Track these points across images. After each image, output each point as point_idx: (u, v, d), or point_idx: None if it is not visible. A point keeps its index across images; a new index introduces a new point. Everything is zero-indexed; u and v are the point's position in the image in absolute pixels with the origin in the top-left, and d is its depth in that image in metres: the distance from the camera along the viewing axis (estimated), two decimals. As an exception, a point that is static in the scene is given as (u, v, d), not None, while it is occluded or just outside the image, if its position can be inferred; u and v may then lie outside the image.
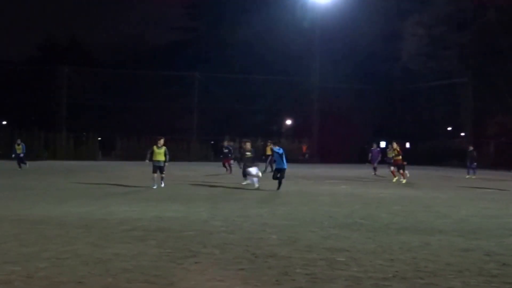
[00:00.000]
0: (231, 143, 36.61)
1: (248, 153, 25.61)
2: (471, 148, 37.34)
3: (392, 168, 31.77)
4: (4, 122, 72.67)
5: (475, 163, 36.51)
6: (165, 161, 24.83)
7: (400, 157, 30.65)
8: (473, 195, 23.86)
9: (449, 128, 66.51)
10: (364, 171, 39.91)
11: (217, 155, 48.65)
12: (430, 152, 59.36)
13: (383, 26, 63.09)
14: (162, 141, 25.03)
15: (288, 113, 70.17)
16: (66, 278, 8.52)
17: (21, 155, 39.95)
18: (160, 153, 24.87)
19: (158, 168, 24.69)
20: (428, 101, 62.84)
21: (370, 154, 38.17)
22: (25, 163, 39.64)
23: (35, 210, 16.33)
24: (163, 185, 24.70)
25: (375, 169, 37.13)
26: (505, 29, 52.69)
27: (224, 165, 35.18)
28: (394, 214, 16.71)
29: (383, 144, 66.35)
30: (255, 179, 24.58)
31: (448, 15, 59.16)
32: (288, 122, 71.63)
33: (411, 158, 53.70)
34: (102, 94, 62.78)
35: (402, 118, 65.65)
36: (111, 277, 8.63)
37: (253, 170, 24.49)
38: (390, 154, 32.12)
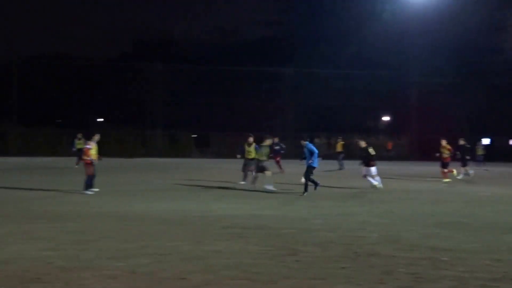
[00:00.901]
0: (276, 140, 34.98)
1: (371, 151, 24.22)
2: None
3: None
4: (100, 119, 74.59)
5: None
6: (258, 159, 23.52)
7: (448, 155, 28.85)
8: None
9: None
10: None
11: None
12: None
13: (484, 16, 61.03)
14: (251, 139, 24.75)
15: (384, 109, 69.05)
16: (168, 274, 8.63)
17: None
18: (250, 151, 24.52)
19: (255, 165, 24.09)
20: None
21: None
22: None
23: (136, 207, 16.68)
24: (243, 182, 24.08)
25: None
26: None
27: (277, 164, 33.59)
28: (498, 213, 16.18)
29: (486, 141, 64.40)
30: (378, 179, 23.58)
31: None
32: (385, 118, 70.51)
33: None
34: (195, 90, 63.46)
35: (504, 114, 63.44)
36: (213, 273, 8.67)
37: (373, 170, 23.34)
38: (445, 152, 29.26)
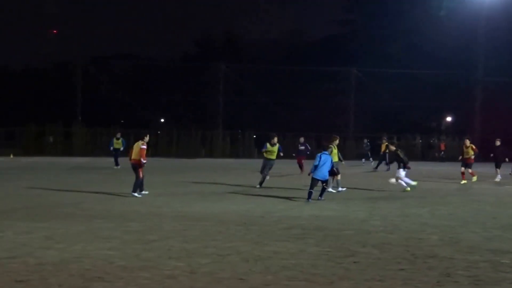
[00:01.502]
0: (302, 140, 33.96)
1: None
2: None
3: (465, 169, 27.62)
4: (162, 120, 75.48)
5: None
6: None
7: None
8: None
9: None
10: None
11: (373, 153, 47.31)
12: None
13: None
14: (275, 139, 24.00)
15: (448, 109, 67.96)
16: (228, 274, 8.80)
17: (121, 149, 36.42)
18: (273, 151, 23.92)
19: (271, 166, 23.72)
20: None
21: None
22: (118, 164, 35.72)
23: (196, 207, 16.94)
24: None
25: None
26: None
27: (299, 164, 32.28)
28: None
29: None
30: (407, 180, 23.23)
31: None
32: (448, 119, 69.43)
33: None
34: (257, 90, 63.60)
35: None
36: (271, 274, 8.81)
37: (401, 172, 22.97)
38: (469, 153, 27.28)
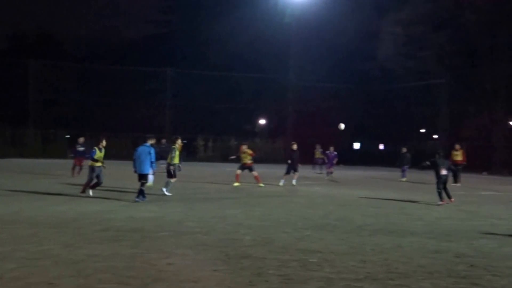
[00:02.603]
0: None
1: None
2: (404, 150, 36.04)
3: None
4: None
5: (407, 166, 35.13)
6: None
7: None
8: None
9: (423, 130, 66.71)
10: (340, 172, 39.94)
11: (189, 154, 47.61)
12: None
13: (361, 24, 62.95)
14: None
15: (263, 112, 69.87)
16: (37, 279, 8.46)
17: None
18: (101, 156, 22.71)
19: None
20: (405, 102, 62.95)
21: (325, 158, 37.31)
22: None
23: (5, 209, 16.14)
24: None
25: (329, 173, 35.61)
26: (483, 31, 52.95)
27: (76, 166, 30.37)
28: (368, 216, 16.82)
29: (357, 145, 66.64)
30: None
31: (425, 14, 59.08)
32: (262, 121, 71.38)
33: (386, 160, 54.18)
34: (72, 89, 61.87)
35: (378, 119, 65.72)
36: (83, 278, 8.58)
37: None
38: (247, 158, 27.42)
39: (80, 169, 29.60)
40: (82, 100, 62.21)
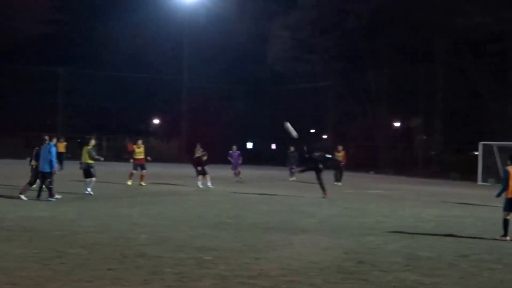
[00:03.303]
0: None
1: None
2: (292, 149, 35.74)
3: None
4: None
5: (295, 166, 34.55)
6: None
7: None
8: (336, 195, 24.68)
9: (312, 130, 68.16)
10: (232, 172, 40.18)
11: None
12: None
13: (251, 27, 63.78)
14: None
15: (158, 112, 69.60)
16: None
17: None
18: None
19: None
20: (296, 103, 64.13)
21: (230, 158, 34.21)
22: None
23: None
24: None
25: (236, 174, 33.33)
26: (364, 36, 54.82)
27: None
28: (261, 214, 17.13)
29: (250, 145, 67.34)
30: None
31: (312, 19, 60.56)
32: (156, 121, 71.04)
33: (278, 159, 55.01)
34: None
35: (269, 120, 66.69)
36: (-26, 279, 8.39)
37: None
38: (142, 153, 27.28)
39: None
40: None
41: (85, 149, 21.86)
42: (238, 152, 34.17)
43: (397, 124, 58.06)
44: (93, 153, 21.82)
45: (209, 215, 16.38)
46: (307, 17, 60.68)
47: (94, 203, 18.40)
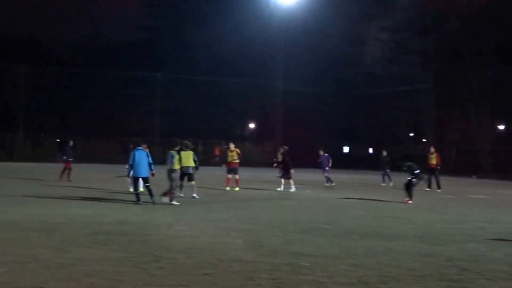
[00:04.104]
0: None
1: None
2: (384, 153, 35.35)
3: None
4: None
5: (388, 170, 34.33)
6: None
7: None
8: (435, 201, 24.10)
9: (411, 134, 67.10)
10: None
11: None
12: (392, 157, 59.52)
13: (347, 30, 63.52)
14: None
15: (251, 116, 70.09)
16: (27, 283, 8.36)
17: None
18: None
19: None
20: (391, 106, 63.32)
21: (320, 161, 32.40)
22: None
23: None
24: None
25: (328, 178, 31.76)
26: (466, 37, 53.46)
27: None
28: (358, 220, 16.80)
29: (346, 149, 66.83)
30: None
31: (411, 20, 59.70)
32: (251, 125, 71.53)
33: (374, 163, 54.26)
34: (61, 94, 61.68)
35: (365, 123, 66.07)
36: (74, 282, 8.49)
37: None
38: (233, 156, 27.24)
39: (69, 172, 29.45)
40: (69, 105, 62.01)
41: (188, 153, 21.64)
42: (326, 155, 32.12)
43: (501, 127, 56.24)
44: (195, 157, 21.95)
45: (305, 220, 16.19)
46: (406, 18, 59.74)
47: (189, 208, 18.54)
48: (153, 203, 18.90)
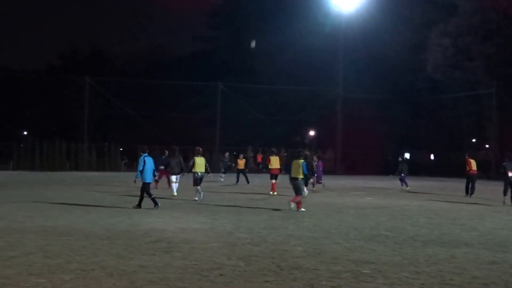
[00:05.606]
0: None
1: None
2: (401, 158, 34.84)
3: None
4: (25, 133, 72.94)
5: (404, 174, 33.74)
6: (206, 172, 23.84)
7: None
8: (499, 207, 23.63)
9: (474, 140, 65.90)
10: (388, 182, 39.66)
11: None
12: (455, 164, 58.68)
13: (408, 35, 62.76)
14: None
15: (311, 124, 69.93)
16: (92, 290, 8.56)
17: None
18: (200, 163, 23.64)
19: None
20: (453, 112, 62.31)
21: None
22: None
23: (60, 221, 16.38)
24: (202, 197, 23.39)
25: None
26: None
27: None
28: (420, 226, 16.60)
29: (407, 155, 65.97)
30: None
31: (473, 25, 58.82)
32: (312, 133, 71.38)
33: (438, 170, 53.51)
34: (124, 104, 62.80)
35: (427, 129, 65.21)
36: (137, 288, 8.65)
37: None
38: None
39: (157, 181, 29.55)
40: (132, 115, 63.07)
41: (298, 162, 20.69)
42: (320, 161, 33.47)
43: None
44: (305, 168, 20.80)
45: (365, 227, 16.09)
46: (468, 23, 58.82)
47: (250, 215, 18.60)
48: (136, 207, 19.85)
